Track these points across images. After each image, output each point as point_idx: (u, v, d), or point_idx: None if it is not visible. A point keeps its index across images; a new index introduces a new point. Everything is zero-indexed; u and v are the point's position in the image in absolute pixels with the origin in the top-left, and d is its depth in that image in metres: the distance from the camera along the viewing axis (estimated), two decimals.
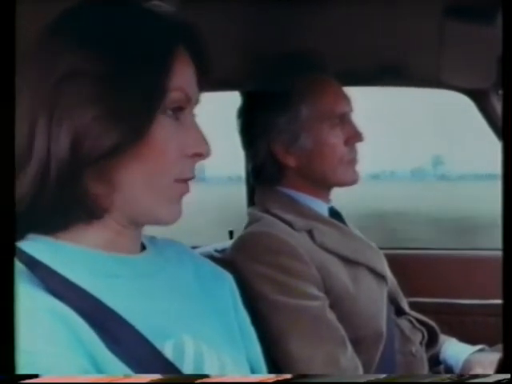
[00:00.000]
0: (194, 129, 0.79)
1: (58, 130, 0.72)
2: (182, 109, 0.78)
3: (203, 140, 0.79)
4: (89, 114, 0.71)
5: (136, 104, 0.73)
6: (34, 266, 0.71)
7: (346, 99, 1.40)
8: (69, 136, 0.71)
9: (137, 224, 0.81)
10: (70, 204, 0.74)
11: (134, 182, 0.75)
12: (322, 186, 1.39)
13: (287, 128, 1.36)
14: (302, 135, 1.35)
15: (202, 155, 0.79)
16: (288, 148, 1.36)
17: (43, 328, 0.66)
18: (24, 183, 0.72)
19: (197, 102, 0.81)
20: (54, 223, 0.75)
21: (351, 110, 1.40)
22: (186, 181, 0.79)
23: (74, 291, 0.70)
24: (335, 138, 1.36)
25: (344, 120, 1.37)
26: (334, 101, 1.37)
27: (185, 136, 0.77)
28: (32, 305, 0.67)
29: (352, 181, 1.39)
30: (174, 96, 0.76)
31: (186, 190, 0.80)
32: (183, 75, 0.77)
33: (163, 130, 0.75)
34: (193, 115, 0.80)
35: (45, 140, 0.72)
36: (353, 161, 1.39)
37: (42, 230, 0.75)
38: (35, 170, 0.72)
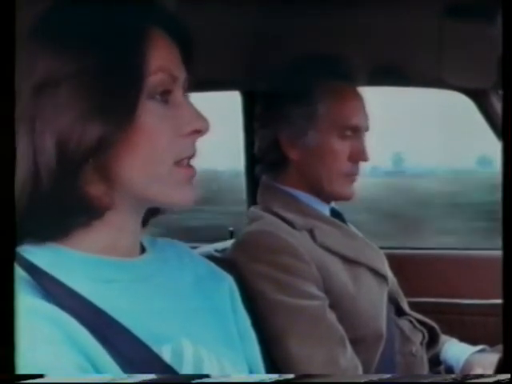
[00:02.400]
0: (186, 107, 0.77)
1: (41, 140, 0.71)
2: (170, 91, 0.76)
3: (199, 116, 0.77)
4: (70, 115, 0.71)
5: (115, 94, 0.72)
6: (34, 271, 0.71)
7: (364, 115, 1.39)
8: (52, 142, 0.71)
9: (147, 207, 0.81)
10: (67, 209, 0.73)
11: (134, 172, 0.74)
12: (318, 189, 1.39)
13: (298, 121, 1.36)
14: (310, 133, 1.35)
15: (199, 131, 0.77)
16: (293, 141, 1.36)
17: (42, 333, 0.66)
18: (16, 194, 0.72)
19: (186, 82, 0.79)
20: (53, 230, 0.74)
21: (366, 129, 1.39)
22: (187, 161, 0.78)
23: (73, 298, 0.70)
24: (340, 148, 1.35)
25: (355, 135, 1.36)
26: (353, 113, 1.36)
27: (177, 116, 0.76)
28: (31, 309, 0.67)
29: (346, 196, 1.39)
30: (156, 78, 0.74)
31: (192, 172, 0.78)
32: (163, 56, 0.76)
33: (151, 115, 0.74)
34: (184, 95, 0.78)
35: (31, 151, 0.71)
36: (351, 176, 1.38)
37: (43, 236, 0.74)
38: (22, 182, 0.71)
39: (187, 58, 0.80)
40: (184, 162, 0.77)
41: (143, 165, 0.74)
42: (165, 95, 0.76)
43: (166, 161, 0.75)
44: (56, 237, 0.75)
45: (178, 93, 0.77)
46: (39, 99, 0.71)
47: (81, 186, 0.73)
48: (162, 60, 0.75)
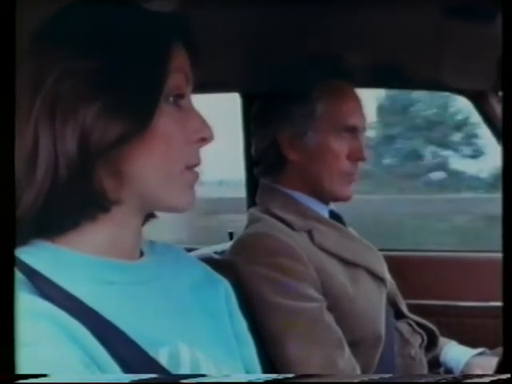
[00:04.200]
0: (195, 114, 0.79)
1: (63, 130, 0.72)
2: (183, 96, 0.78)
3: (205, 124, 0.79)
4: (93, 109, 0.72)
5: (138, 92, 0.73)
6: (31, 274, 0.70)
7: (362, 115, 1.40)
8: (75, 133, 0.71)
9: (149, 211, 0.82)
10: (80, 201, 0.74)
11: (145, 172, 0.75)
12: (317, 190, 1.39)
13: (297, 122, 1.36)
14: (310, 133, 1.36)
15: (206, 140, 0.79)
16: (292, 141, 1.37)
17: (42, 331, 0.65)
18: (33, 188, 0.72)
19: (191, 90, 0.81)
20: (58, 226, 0.75)
21: (364, 129, 1.40)
22: (195, 168, 0.79)
23: (70, 300, 0.70)
24: (340, 148, 1.35)
25: (354, 134, 1.37)
26: (351, 112, 1.37)
27: (188, 122, 0.78)
28: (31, 309, 0.67)
29: (345, 196, 1.39)
30: (174, 78, 0.76)
31: (197, 177, 0.80)
32: (180, 59, 0.78)
33: (167, 117, 0.76)
34: (192, 101, 0.80)
35: (50, 142, 0.72)
36: (351, 176, 1.38)
37: (45, 234, 0.75)
38: (43, 174, 0.72)
39: (193, 66, 0.81)
40: (192, 169, 0.79)
41: (155, 165, 0.76)
42: (178, 99, 0.77)
43: (176, 164, 0.77)
44: (59, 234, 0.75)
45: (188, 98, 0.79)
46: (60, 90, 0.72)
47: (94, 179, 0.74)
48: (179, 62, 0.77)
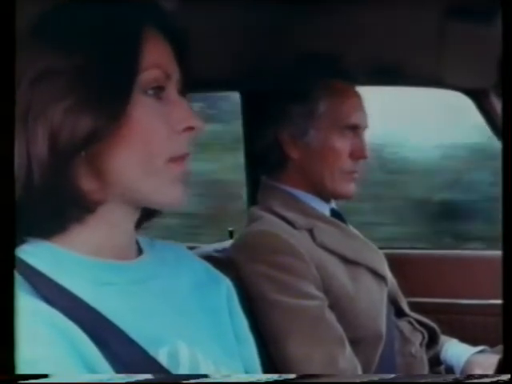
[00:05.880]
0: (179, 105, 0.77)
1: (34, 131, 0.71)
2: (163, 88, 0.76)
3: (191, 114, 0.77)
4: (61, 107, 0.70)
5: (107, 88, 0.72)
6: (29, 272, 0.70)
7: (363, 114, 1.40)
8: (45, 134, 0.70)
9: (139, 207, 0.80)
10: (60, 204, 0.73)
11: (126, 166, 0.74)
12: (319, 188, 1.40)
13: (299, 120, 1.36)
14: (311, 131, 1.36)
15: (193, 129, 0.77)
16: (294, 140, 1.37)
17: (41, 334, 0.65)
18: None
19: (180, 82, 0.79)
20: (48, 226, 0.74)
21: (365, 127, 1.40)
22: (181, 159, 0.77)
23: (69, 299, 0.70)
24: (341, 146, 1.36)
25: (355, 133, 1.37)
26: (352, 111, 1.37)
27: (171, 113, 0.76)
28: (31, 310, 0.67)
29: (346, 194, 1.39)
30: (150, 74, 0.74)
31: (184, 169, 0.78)
32: (157, 53, 0.76)
33: (144, 110, 0.74)
34: (178, 94, 0.78)
35: (23, 144, 0.71)
36: (353, 174, 1.38)
37: (38, 234, 0.74)
38: (17, 176, 0.71)
39: (181, 58, 0.79)
40: (178, 161, 0.77)
41: (135, 160, 0.74)
42: (158, 91, 0.76)
43: (159, 157, 0.75)
44: (51, 232, 0.74)
45: (171, 90, 0.77)
46: (33, 91, 0.71)
47: (73, 180, 0.73)
48: (156, 57, 0.75)
